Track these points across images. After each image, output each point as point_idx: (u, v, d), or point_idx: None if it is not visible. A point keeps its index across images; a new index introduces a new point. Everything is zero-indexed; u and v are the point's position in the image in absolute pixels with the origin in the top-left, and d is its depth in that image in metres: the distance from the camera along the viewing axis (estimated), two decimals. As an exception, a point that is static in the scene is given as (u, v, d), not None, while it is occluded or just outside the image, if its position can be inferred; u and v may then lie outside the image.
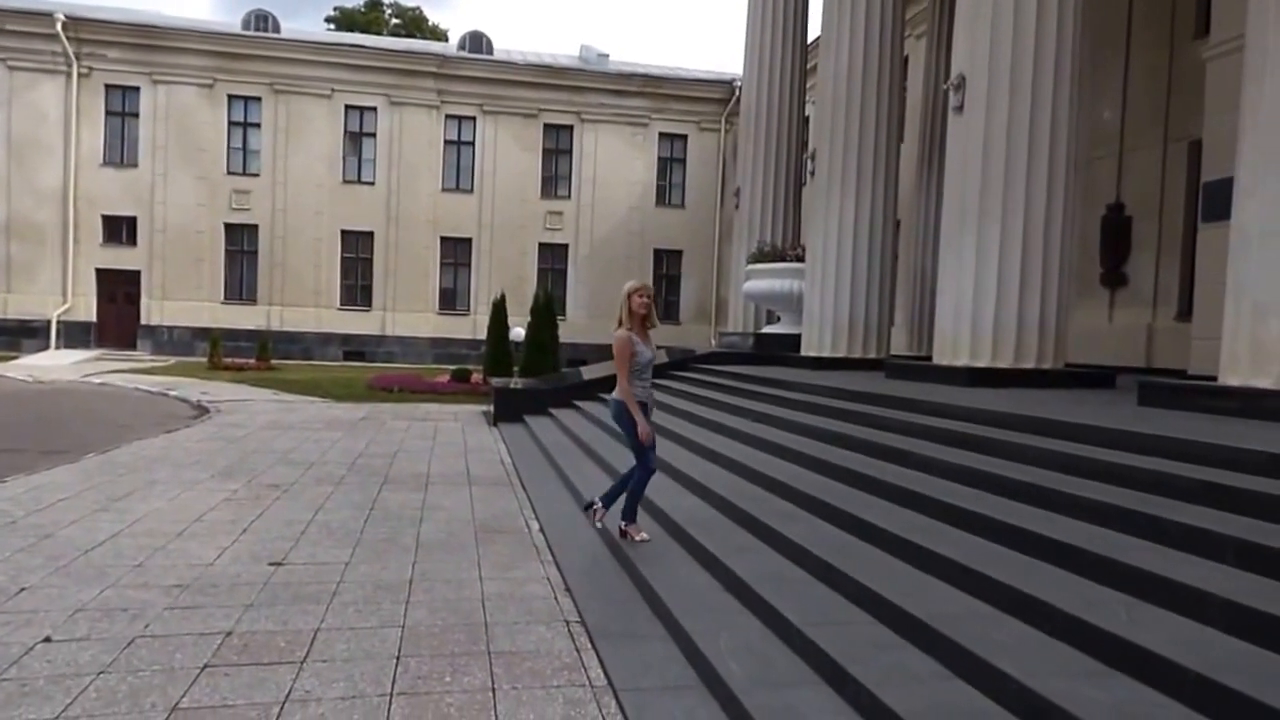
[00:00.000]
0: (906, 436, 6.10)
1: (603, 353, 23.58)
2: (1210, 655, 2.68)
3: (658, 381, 12.35)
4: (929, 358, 9.54)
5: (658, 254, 28.19)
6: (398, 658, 3.82)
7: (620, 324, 5.38)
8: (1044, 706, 2.66)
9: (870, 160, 11.78)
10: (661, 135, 28.14)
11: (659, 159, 28.18)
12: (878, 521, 4.48)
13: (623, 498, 5.50)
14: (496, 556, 5.57)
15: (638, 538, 5.35)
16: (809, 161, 13.69)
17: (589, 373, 14.64)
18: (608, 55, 28.92)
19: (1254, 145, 5.77)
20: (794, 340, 12.82)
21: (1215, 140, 9.25)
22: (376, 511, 6.73)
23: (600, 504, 5.69)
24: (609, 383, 12.81)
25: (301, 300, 26.17)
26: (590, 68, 27.92)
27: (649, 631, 4.13)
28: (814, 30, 14.31)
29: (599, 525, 5.68)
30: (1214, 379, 6.12)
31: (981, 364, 8.45)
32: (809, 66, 15.96)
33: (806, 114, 16.16)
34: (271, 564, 5.20)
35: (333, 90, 26.09)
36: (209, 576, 4.89)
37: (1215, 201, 8.83)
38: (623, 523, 5.45)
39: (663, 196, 28.36)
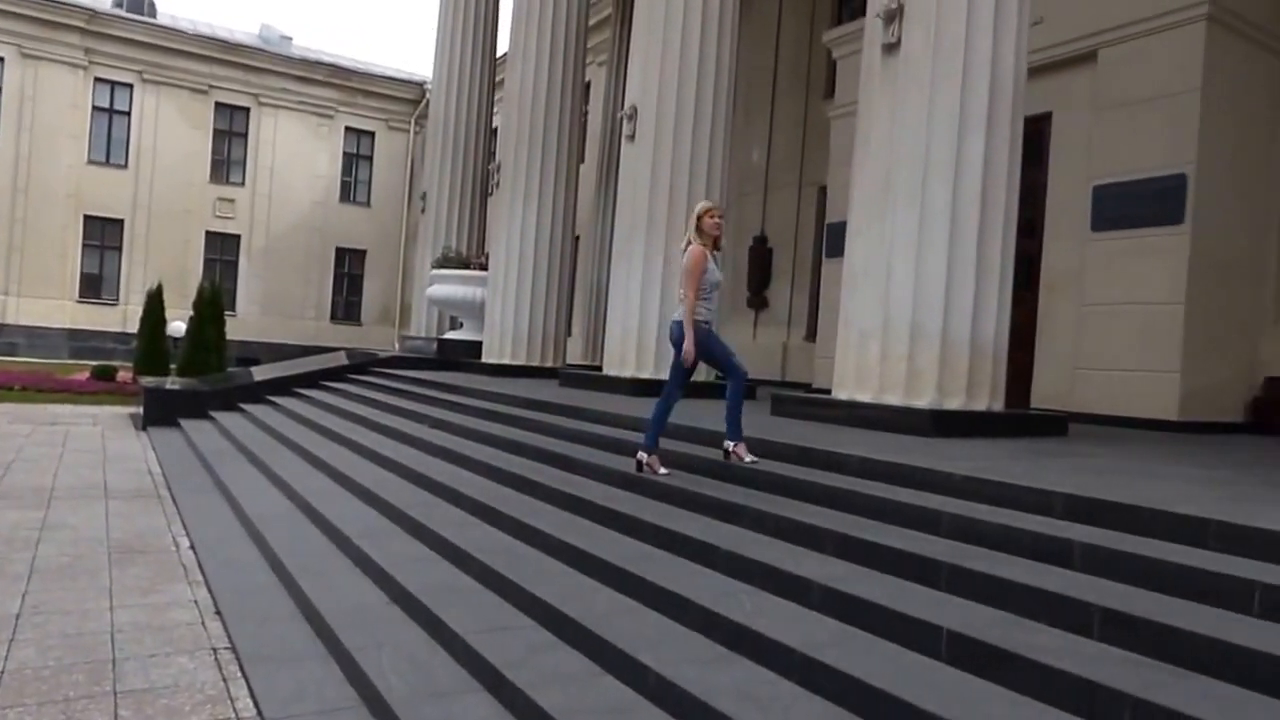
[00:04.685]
0: (573, 443, 6.29)
1: (277, 352, 21.71)
2: (812, 635, 3.02)
3: (336, 385, 11.63)
4: (601, 367, 9.95)
5: (340, 252, 26.61)
6: (-12, 712, 3.13)
7: (689, 242, 4.99)
8: (677, 693, 2.84)
9: (552, 176, 12.08)
10: (348, 130, 26.65)
11: (345, 154, 26.67)
12: (543, 526, 4.55)
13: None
14: (134, 581, 4.82)
15: (747, 459, 4.84)
16: (495, 172, 13.72)
17: (261, 373, 13.35)
18: (291, 39, 26.79)
19: (860, 196, 6.73)
20: (476, 346, 12.74)
21: (836, 187, 10.74)
22: (-26, 535, 5.51)
23: (730, 442, 4.93)
24: (282, 385, 11.95)
25: (-116, 278, 20.98)
26: (271, 49, 25.67)
27: (308, 652, 3.80)
28: (504, 45, 14.36)
29: (749, 460, 4.87)
30: (829, 392, 7.03)
31: (645, 375, 8.97)
32: (498, 80, 16.00)
33: (494, 125, 16.18)
34: None
35: (-61, 31, 21.30)
36: None
37: (834, 240, 10.23)
38: (729, 443, 4.90)
39: (348, 193, 26.85)
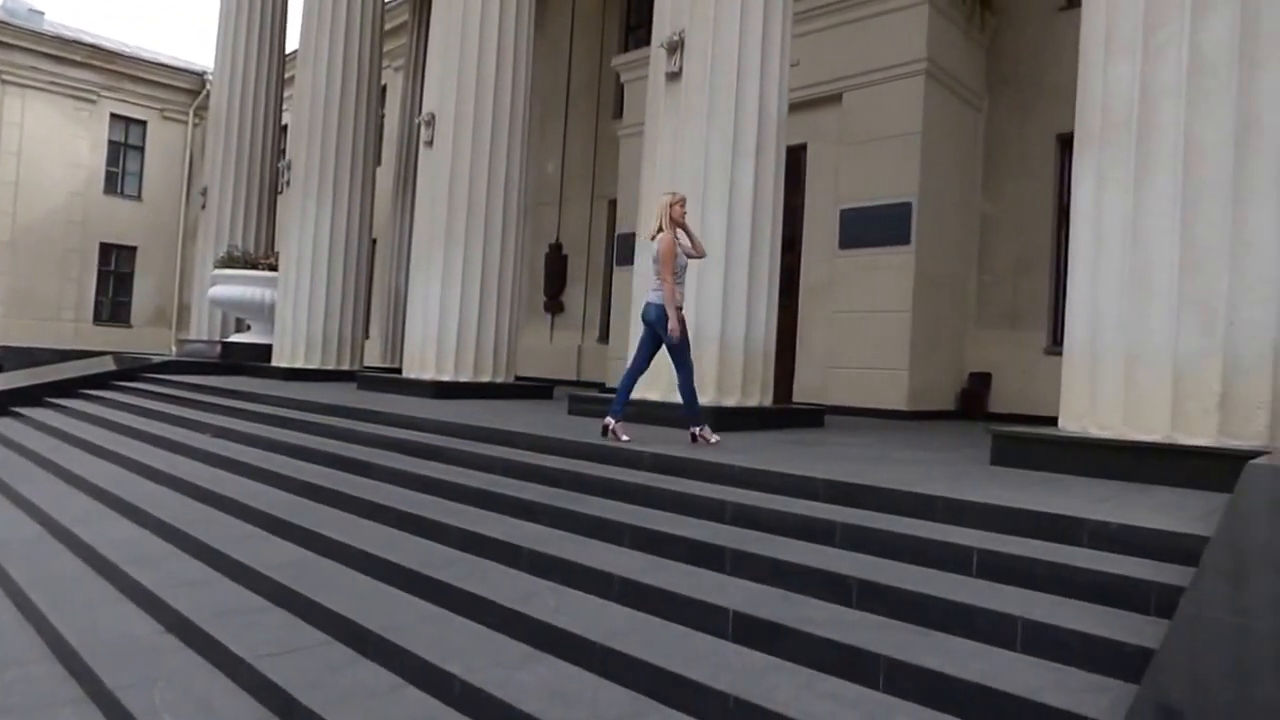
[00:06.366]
0: (371, 448, 5.90)
1: (25, 357, 18.64)
2: (613, 627, 3.01)
3: (100, 394, 10.20)
4: (400, 370, 9.49)
5: (106, 248, 23.35)
6: None
7: (660, 229, 5.23)
8: (484, 698, 2.71)
9: (347, 177, 11.36)
10: (114, 117, 23.44)
11: (110, 142, 23.43)
12: (339, 536, 4.20)
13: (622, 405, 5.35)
14: None
15: (712, 439, 5.15)
16: (285, 170, 12.66)
17: (3, 381, 11.41)
18: (43, 14, 23.22)
19: (649, 212, 6.87)
20: (266, 350, 11.71)
21: (625, 201, 10.95)
22: None
23: (611, 419, 5.22)
24: (32, 394, 10.26)
25: None
26: (17, 22, 22.03)
27: (59, 698, 3.24)
28: (293, 40, 13.29)
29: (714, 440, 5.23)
30: (618, 391, 7.10)
31: (446, 378, 8.68)
32: (288, 76, 14.80)
33: (285, 122, 14.96)
34: None
35: None
36: None
37: (624, 250, 10.42)
38: (695, 429, 5.24)
39: (114, 184, 23.62)
